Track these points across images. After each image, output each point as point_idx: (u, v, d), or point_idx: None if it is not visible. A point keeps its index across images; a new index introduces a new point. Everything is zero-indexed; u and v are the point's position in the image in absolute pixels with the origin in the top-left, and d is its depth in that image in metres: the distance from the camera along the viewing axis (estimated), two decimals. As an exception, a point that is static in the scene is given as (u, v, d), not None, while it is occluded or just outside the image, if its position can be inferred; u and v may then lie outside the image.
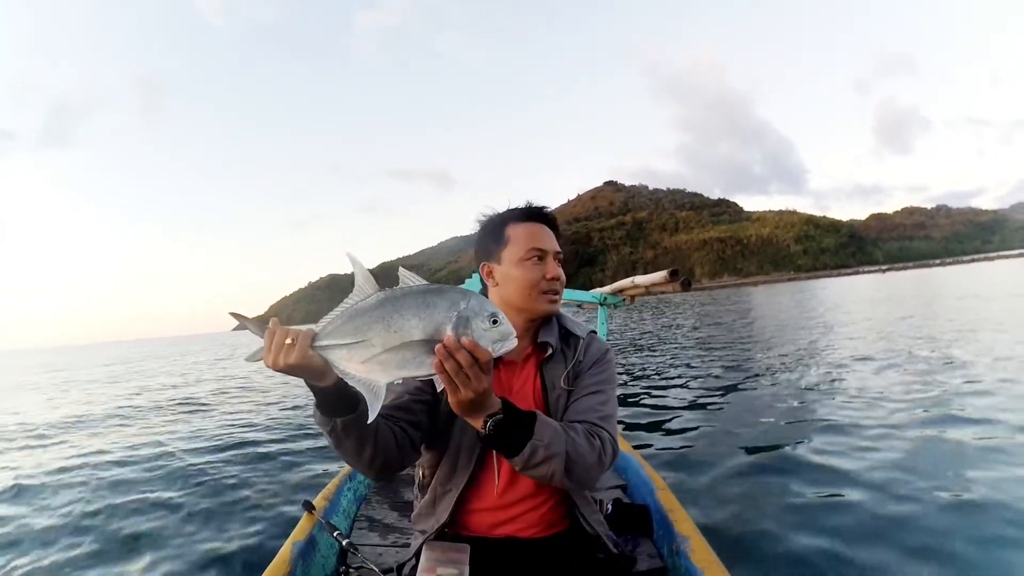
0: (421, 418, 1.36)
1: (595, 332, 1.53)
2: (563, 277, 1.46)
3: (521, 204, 1.48)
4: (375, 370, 1.01)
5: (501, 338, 1.02)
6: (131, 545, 3.49)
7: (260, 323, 1.06)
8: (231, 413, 8.49)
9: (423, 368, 1.01)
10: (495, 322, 1.02)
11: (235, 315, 1.12)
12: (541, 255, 1.40)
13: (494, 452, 1.37)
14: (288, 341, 1.00)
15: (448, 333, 0.99)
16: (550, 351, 1.43)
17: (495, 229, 1.45)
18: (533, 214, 1.46)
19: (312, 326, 1.05)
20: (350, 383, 1.04)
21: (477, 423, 1.12)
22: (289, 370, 1.01)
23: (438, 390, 1.04)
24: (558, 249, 1.45)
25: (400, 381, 1.05)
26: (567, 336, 1.48)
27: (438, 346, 0.97)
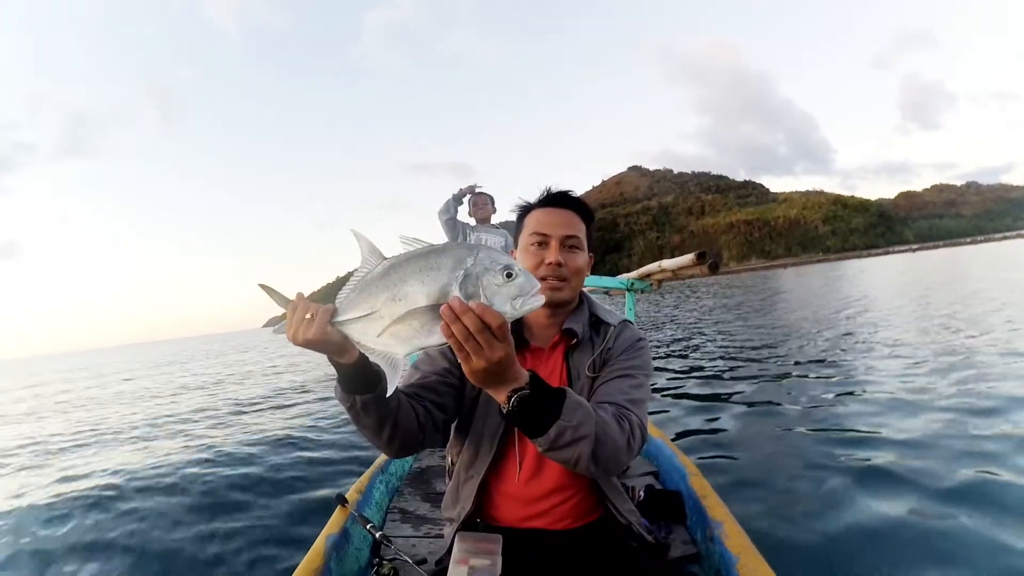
0: (447, 400, 1.35)
1: (630, 321, 1.49)
2: (573, 263, 1.39)
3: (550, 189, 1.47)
4: (390, 343, 0.94)
5: (520, 293, 0.90)
6: (159, 541, 3.56)
7: (285, 298, 1.03)
8: (259, 407, 8.66)
9: (433, 336, 0.91)
10: (510, 275, 0.90)
11: (263, 287, 1.08)
12: (542, 240, 1.38)
13: (515, 438, 1.37)
14: (308, 316, 0.97)
15: (455, 294, 0.89)
16: (577, 339, 1.41)
17: (520, 217, 1.47)
18: (547, 199, 1.44)
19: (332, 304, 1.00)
20: (371, 357, 0.99)
21: (500, 397, 1.03)
22: (308, 345, 0.98)
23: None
24: (570, 234, 1.39)
25: (419, 352, 0.99)
26: (597, 324, 1.45)
27: (442, 308, 0.88)
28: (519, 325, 1.43)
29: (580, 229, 1.41)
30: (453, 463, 1.48)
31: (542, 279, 1.36)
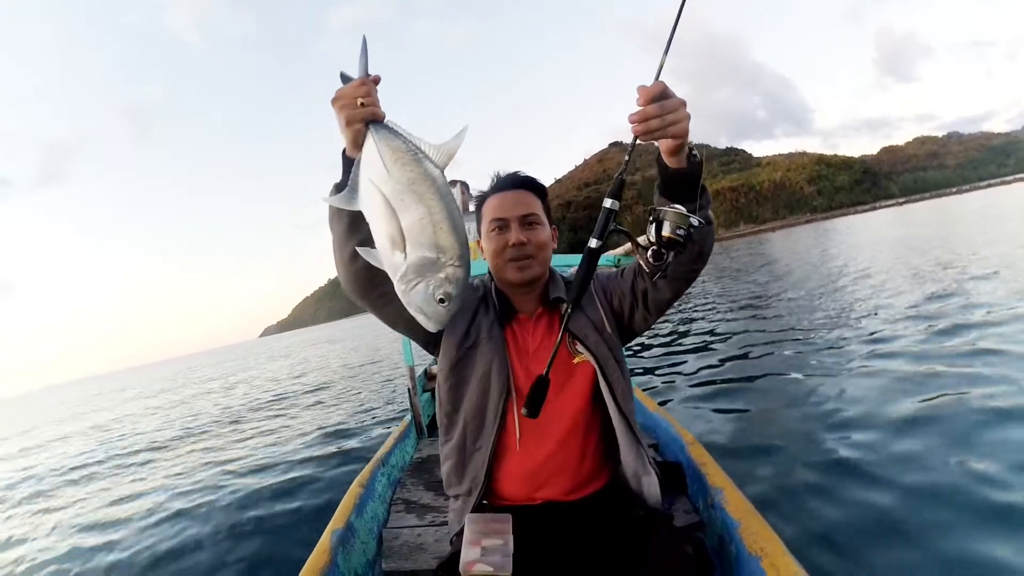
0: None
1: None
2: (536, 238, 1.42)
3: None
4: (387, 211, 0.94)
5: None
6: (164, 535, 3.58)
7: (364, 71, 1.02)
8: (262, 410, 8.66)
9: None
10: None
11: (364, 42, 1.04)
12: (502, 224, 1.42)
13: (514, 406, 1.38)
14: (360, 102, 0.98)
15: None
16: (566, 305, 1.36)
17: (478, 206, 1.51)
18: (499, 184, 1.48)
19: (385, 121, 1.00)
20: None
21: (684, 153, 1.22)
22: (340, 115, 1.00)
23: None
24: (528, 212, 1.42)
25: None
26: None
27: (632, 116, 1.08)
28: (504, 298, 1.49)
29: (536, 206, 1.45)
30: (450, 437, 1.48)
31: (511, 260, 1.40)
